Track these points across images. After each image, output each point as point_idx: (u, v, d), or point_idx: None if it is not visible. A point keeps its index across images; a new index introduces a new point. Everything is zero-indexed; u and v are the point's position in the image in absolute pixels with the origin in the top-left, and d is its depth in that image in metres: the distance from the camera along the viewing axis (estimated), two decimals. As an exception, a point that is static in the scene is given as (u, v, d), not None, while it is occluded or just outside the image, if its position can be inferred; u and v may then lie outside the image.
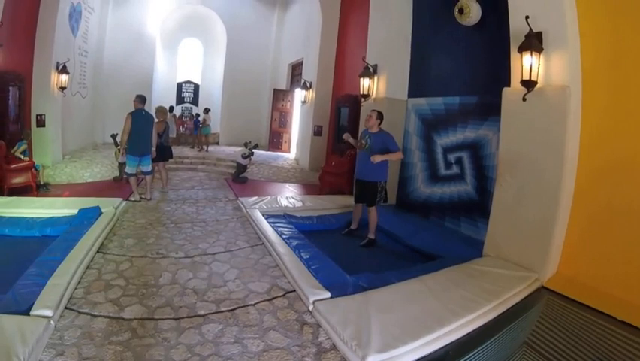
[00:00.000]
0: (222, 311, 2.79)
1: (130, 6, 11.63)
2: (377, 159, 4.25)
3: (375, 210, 4.57)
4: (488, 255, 4.12)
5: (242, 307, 2.87)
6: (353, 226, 4.91)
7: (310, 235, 4.64)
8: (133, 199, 5.72)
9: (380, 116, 4.54)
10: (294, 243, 4.09)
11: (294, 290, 3.14)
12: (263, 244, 4.19)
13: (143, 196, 5.89)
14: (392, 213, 5.86)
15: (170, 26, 12.77)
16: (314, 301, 2.87)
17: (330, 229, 5.26)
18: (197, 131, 12.11)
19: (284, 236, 4.30)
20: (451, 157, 5.55)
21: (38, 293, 2.61)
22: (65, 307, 2.65)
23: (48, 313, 2.42)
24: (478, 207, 5.07)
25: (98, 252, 3.69)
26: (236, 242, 4.26)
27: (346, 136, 4.82)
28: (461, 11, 4.70)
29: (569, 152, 3.51)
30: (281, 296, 3.06)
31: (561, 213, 3.57)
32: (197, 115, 12.86)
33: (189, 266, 3.54)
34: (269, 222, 4.75)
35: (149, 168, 5.87)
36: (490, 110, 4.83)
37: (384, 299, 2.92)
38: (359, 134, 4.86)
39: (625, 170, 3.27)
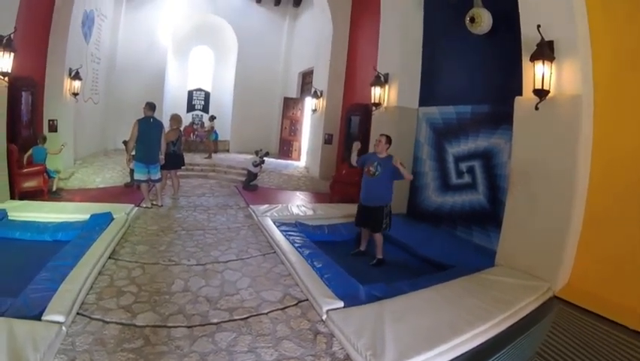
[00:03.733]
0: (235, 320, 2.77)
1: (142, 14, 11.80)
2: (397, 162, 4.12)
3: (381, 235, 4.47)
4: (500, 264, 4.09)
5: (255, 315, 2.86)
6: (362, 248, 4.78)
7: (321, 245, 4.57)
8: (144, 206, 5.73)
9: (389, 140, 4.42)
10: (306, 252, 4.06)
11: (307, 299, 3.11)
12: (275, 252, 4.18)
13: (154, 203, 5.91)
14: (402, 222, 5.81)
15: (181, 34, 12.91)
16: (327, 311, 2.85)
17: (342, 240, 5.18)
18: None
19: (296, 245, 4.28)
20: (463, 166, 5.51)
21: (50, 298, 2.61)
22: (77, 313, 2.64)
23: (60, 318, 2.42)
24: (490, 216, 5.01)
25: (109, 258, 3.69)
26: (248, 250, 4.25)
27: (356, 145, 4.70)
28: (472, 20, 4.71)
29: (581, 161, 3.48)
30: (294, 305, 3.03)
31: (574, 222, 3.55)
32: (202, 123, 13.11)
33: (201, 274, 3.53)
34: (280, 231, 4.73)
35: (158, 176, 5.89)
36: (501, 119, 4.80)
37: (397, 309, 2.89)
38: (364, 156, 4.75)
39: (637, 179, 3.23)
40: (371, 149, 5.61)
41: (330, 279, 3.37)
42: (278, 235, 4.57)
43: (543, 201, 3.70)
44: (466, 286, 3.43)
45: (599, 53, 3.41)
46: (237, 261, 3.89)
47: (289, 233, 4.68)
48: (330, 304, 2.89)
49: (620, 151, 3.38)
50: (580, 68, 3.35)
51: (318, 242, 4.67)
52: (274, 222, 5.04)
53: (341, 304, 2.91)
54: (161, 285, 3.24)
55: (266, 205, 5.89)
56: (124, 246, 4.09)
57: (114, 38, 11.25)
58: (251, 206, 5.91)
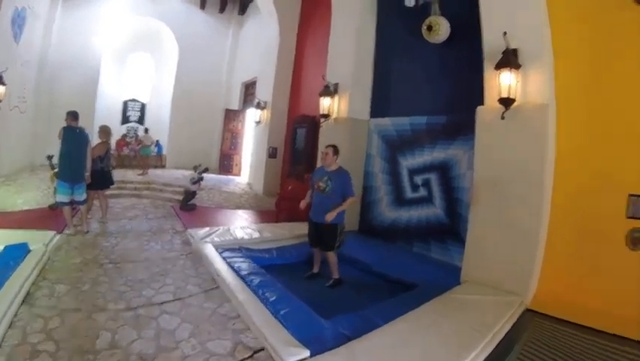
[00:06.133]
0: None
1: (79, 14, 10.70)
2: (331, 217, 3.84)
3: (335, 254, 4.11)
4: (467, 281, 3.91)
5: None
6: (315, 270, 4.36)
7: (271, 270, 4.08)
8: (67, 233, 4.84)
9: (336, 151, 4.06)
10: (256, 281, 3.48)
11: (264, 348, 2.51)
12: (219, 287, 3.51)
13: (78, 229, 5.02)
14: (355, 239, 5.48)
15: (119, 39, 12.02)
16: (291, 364, 2.29)
17: (292, 262, 4.73)
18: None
19: (242, 273, 3.67)
20: (418, 179, 5.32)
21: None
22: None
23: None
24: (448, 230, 4.85)
25: (23, 303, 2.92)
26: (187, 286, 3.53)
27: (303, 204, 4.26)
28: (430, 28, 4.56)
29: (548, 171, 3.40)
30: (248, 358, 2.42)
31: (541, 233, 3.46)
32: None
33: (132, 322, 2.78)
34: (223, 259, 4.08)
35: (83, 197, 5.01)
36: (459, 129, 4.69)
37: (373, 349, 2.43)
38: (312, 173, 4.36)
39: (598, 189, 3.27)
40: (319, 163, 5.24)
41: (288, 317, 2.83)
42: (221, 265, 3.91)
43: (510, 213, 3.57)
44: (439, 309, 3.16)
45: (560, 62, 3.37)
46: (175, 302, 3.17)
47: (234, 261, 4.04)
48: (293, 355, 2.32)
49: (582, 160, 3.35)
50: (545, 76, 3.27)
51: (266, 267, 4.17)
52: (216, 249, 4.36)
53: (307, 353, 2.37)
54: (83, 341, 2.48)
55: (206, 229, 5.17)
56: (41, 286, 3.27)
57: (47, 40, 10.11)
58: (189, 230, 5.16)
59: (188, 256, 4.41)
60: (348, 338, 2.61)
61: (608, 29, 3.14)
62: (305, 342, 2.48)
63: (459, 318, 2.97)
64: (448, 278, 4.03)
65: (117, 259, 4.14)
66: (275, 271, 4.10)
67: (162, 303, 3.12)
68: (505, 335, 2.86)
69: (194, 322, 2.83)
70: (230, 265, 3.87)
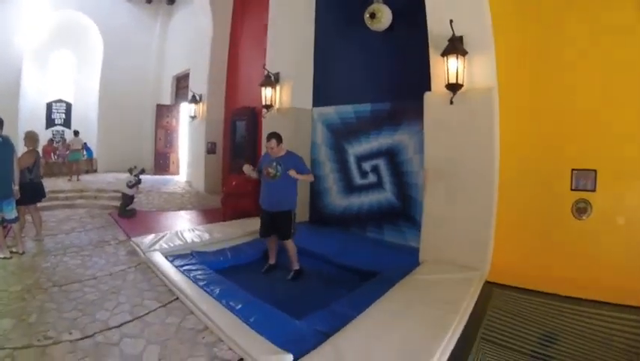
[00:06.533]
0: None
1: None
2: (294, 174, 3.75)
3: (293, 242, 4.03)
4: (426, 260, 4.04)
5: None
6: (271, 261, 4.23)
7: (228, 273, 3.89)
8: (1, 256, 4.19)
9: (279, 138, 3.87)
10: (217, 290, 3.25)
11: (242, 359, 2.35)
12: (178, 298, 3.22)
13: (13, 251, 4.37)
14: (308, 230, 5.45)
15: (40, 36, 10.77)
16: (278, 371, 2.17)
17: (249, 261, 4.54)
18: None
19: (200, 283, 3.41)
20: (366, 166, 5.39)
21: None
22: None
23: None
24: (400, 213, 5.00)
25: None
26: (144, 302, 3.17)
27: (247, 169, 4.03)
28: (372, 16, 4.55)
29: (496, 149, 3.62)
30: (231, 374, 2.25)
31: (494, 208, 3.68)
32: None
33: (92, 352, 2.41)
34: (176, 267, 3.77)
35: (14, 215, 4.34)
36: (404, 115, 4.81)
37: (355, 342, 2.40)
38: (259, 160, 4.17)
39: (544, 164, 3.55)
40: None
41: (260, 322, 2.68)
42: (175, 273, 3.59)
43: (463, 193, 3.74)
44: (407, 293, 3.22)
45: (500, 48, 3.56)
46: (134, 322, 2.82)
47: (188, 269, 3.75)
48: (277, 362, 2.22)
49: (524, 140, 3.63)
50: (490, 62, 3.43)
51: (223, 271, 3.96)
52: (166, 258, 4.01)
53: (290, 358, 2.25)
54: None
55: (151, 236, 4.73)
56: (-17, 323, 2.70)
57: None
58: (133, 239, 4.67)
59: (138, 268, 3.99)
60: (326, 335, 2.54)
61: (544, 14, 3.38)
62: (284, 346, 2.36)
63: (427, 298, 3.05)
64: (407, 260, 4.13)
65: (61, 281, 3.64)
66: (232, 274, 3.91)
67: (121, 325, 2.76)
68: (473, 308, 2.99)
69: (161, 341, 2.55)
70: (186, 275, 3.58)
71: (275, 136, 3.86)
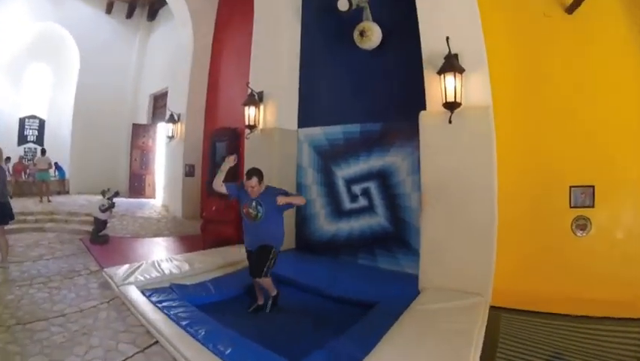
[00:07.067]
0: None
1: None
2: (283, 200, 3.37)
3: (269, 277, 3.65)
4: (426, 288, 3.80)
5: None
6: (260, 302, 3.86)
7: (212, 309, 3.52)
8: None
9: (260, 175, 3.47)
10: (202, 331, 2.86)
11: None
12: (157, 342, 2.80)
13: None
14: (295, 259, 5.18)
15: (15, 48, 10.43)
16: None
17: (232, 296, 4.11)
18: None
19: (182, 322, 3.01)
20: (356, 189, 5.18)
21: None
22: None
23: None
24: (393, 238, 4.78)
25: None
26: (119, 346, 2.72)
27: (229, 160, 3.64)
28: (362, 34, 4.45)
29: (495, 170, 3.50)
30: None
31: (494, 231, 3.52)
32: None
33: None
34: (154, 304, 3.35)
35: None
36: (395, 135, 4.68)
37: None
38: (239, 183, 3.72)
39: (542, 183, 3.52)
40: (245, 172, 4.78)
41: (255, 369, 2.34)
42: (153, 311, 3.18)
43: (463, 215, 3.58)
44: (415, 326, 2.96)
45: (494, 66, 3.51)
46: None
47: (168, 305, 3.33)
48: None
49: (519, 158, 3.59)
50: (485, 80, 3.37)
51: (205, 306, 3.58)
52: (143, 292, 3.58)
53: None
54: None
55: (126, 266, 4.27)
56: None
57: None
58: (105, 270, 4.21)
59: (111, 304, 3.53)
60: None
61: (536, 35, 3.36)
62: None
63: (437, 330, 2.83)
64: (405, 288, 3.90)
65: (25, 317, 3.19)
66: (216, 310, 3.54)
67: (95, 376, 2.34)
68: (484, 337, 2.79)
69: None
70: (165, 312, 3.17)
71: (256, 173, 3.45)
